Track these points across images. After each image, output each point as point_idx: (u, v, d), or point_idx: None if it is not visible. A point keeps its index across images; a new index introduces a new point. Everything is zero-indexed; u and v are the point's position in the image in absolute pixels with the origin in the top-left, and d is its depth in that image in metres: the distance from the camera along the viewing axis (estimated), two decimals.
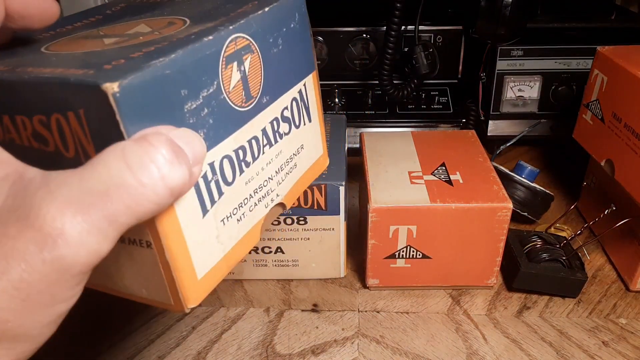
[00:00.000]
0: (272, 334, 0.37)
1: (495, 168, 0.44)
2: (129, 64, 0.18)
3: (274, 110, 0.25)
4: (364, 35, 0.57)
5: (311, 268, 0.41)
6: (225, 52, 0.21)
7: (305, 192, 0.37)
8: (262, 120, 0.24)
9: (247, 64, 0.23)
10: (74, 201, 0.16)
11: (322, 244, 0.39)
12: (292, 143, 0.27)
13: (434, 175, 0.39)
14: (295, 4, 0.26)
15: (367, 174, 0.39)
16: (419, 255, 0.38)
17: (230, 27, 0.22)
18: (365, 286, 0.41)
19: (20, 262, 0.15)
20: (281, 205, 0.27)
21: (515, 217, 0.45)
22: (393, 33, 0.50)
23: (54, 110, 0.18)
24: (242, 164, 0.23)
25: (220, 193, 0.22)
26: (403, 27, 0.55)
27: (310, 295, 0.40)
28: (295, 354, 0.35)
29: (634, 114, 0.37)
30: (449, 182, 0.38)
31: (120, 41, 0.22)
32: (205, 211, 0.21)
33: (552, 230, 0.44)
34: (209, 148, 0.21)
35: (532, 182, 0.45)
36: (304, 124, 0.28)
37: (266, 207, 0.26)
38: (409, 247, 0.37)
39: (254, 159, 0.24)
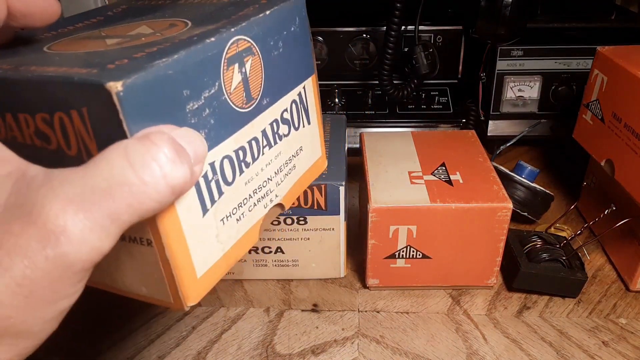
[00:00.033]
0: (272, 334, 0.37)
1: (495, 168, 0.44)
2: (132, 64, 0.18)
3: (274, 112, 0.26)
4: (364, 35, 0.57)
5: (311, 268, 0.41)
6: (227, 53, 0.22)
7: (305, 192, 0.37)
8: (262, 121, 0.25)
9: (248, 65, 0.23)
10: (77, 199, 0.16)
11: (322, 244, 0.39)
12: (292, 145, 0.28)
13: (434, 175, 0.39)
14: (296, 7, 0.26)
15: (367, 174, 0.39)
16: (419, 255, 0.38)
17: (232, 30, 0.22)
18: (365, 286, 0.41)
19: (23, 258, 0.15)
20: (280, 205, 0.28)
21: (515, 217, 0.45)
22: (393, 33, 0.50)
23: (57, 109, 0.18)
24: (242, 164, 0.23)
25: (220, 193, 0.22)
26: (403, 27, 0.55)
27: (310, 295, 0.40)
28: (295, 354, 0.35)
29: (634, 114, 0.37)
30: (449, 182, 0.38)
31: (122, 42, 0.22)
32: (205, 210, 0.21)
33: (552, 230, 0.44)
34: (209, 148, 0.21)
35: (532, 182, 0.45)
36: (303, 126, 0.29)
37: (265, 208, 0.26)
38: (409, 247, 0.37)
39: (254, 159, 0.24)
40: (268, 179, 0.26)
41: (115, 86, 0.17)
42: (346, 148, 0.42)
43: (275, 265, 0.41)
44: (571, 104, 0.52)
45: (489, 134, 0.56)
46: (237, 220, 0.24)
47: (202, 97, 0.20)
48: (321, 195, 0.37)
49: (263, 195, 0.26)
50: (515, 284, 0.39)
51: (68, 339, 0.37)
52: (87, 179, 0.16)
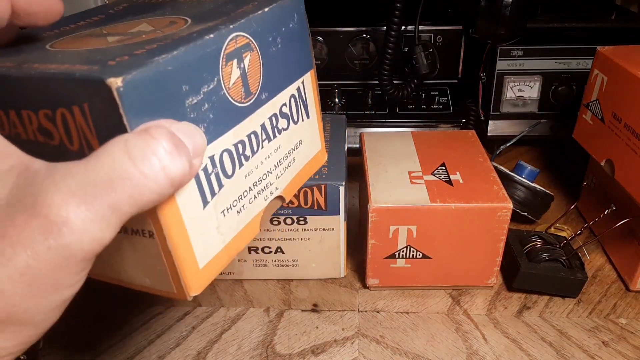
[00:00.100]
0: (272, 334, 0.37)
1: (495, 168, 0.44)
2: (132, 60, 0.19)
3: (272, 106, 0.26)
4: (364, 35, 0.57)
5: (311, 268, 0.41)
6: (225, 49, 0.22)
7: (305, 192, 0.37)
8: (261, 115, 0.25)
9: (246, 61, 0.23)
10: (78, 191, 0.16)
11: (322, 244, 0.39)
12: (291, 138, 0.28)
13: (434, 175, 0.39)
14: (294, 4, 0.27)
15: (367, 174, 0.39)
16: (419, 255, 0.38)
17: (231, 26, 0.22)
18: (365, 286, 0.41)
19: (26, 248, 0.16)
20: (280, 198, 0.28)
21: (515, 217, 0.45)
22: (393, 33, 0.50)
23: (59, 105, 0.19)
24: (242, 157, 0.24)
25: (221, 185, 0.23)
26: (403, 27, 0.55)
27: (310, 295, 0.40)
28: (295, 354, 0.35)
29: (634, 114, 0.37)
30: (449, 182, 0.38)
31: (123, 39, 0.22)
32: (205, 202, 0.22)
33: (552, 230, 0.44)
34: (209, 142, 0.22)
35: (532, 182, 0.45)
36: (302, 120, 0.29)
37: (265, 200, 0.27)
38: (409, 247, 0.37)
39: (253, 153, 0.25)
40: (268, 171, 0.26)
41: (116, 82, 0.17)
42: (346, 148, 0.42)
43: (275, 265, 0.41)
44: (571, 104, 0.52)
45: (489, 134, 0.56)
46: (238, 212, 0.24)
47: (201, 92, 0.21)
48: (321, 195, 0.37)
49: (263, 188, 0.26)
50: (515, 284, 0.39)
51: (68, 339, 0.37)
52: (89, 172, 0.17)
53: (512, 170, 0.46)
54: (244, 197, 0.25)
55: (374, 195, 0.37)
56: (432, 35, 0.56)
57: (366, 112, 0.57)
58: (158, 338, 0.37)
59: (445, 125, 0.57)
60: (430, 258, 0.38)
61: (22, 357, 0.32)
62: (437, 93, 0.58)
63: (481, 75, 0.55)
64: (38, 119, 0.19)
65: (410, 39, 0.56)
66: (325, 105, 0.57)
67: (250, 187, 0.25)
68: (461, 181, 0.38)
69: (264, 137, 0.26)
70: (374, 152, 0.42)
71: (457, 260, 0.38)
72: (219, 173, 0.22)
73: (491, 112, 0.55)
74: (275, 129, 0.26)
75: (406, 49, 0.56)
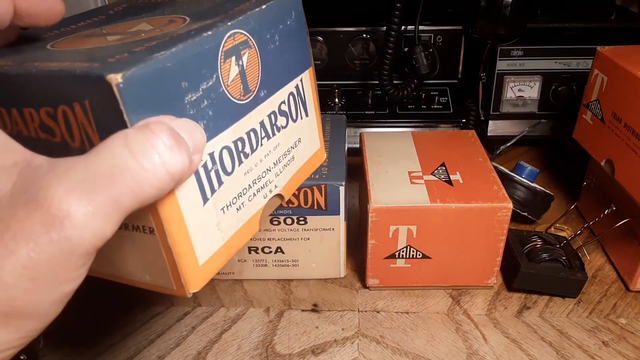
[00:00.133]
0: (272, 334, 0.37)
1: (495, 168, 0.44)
2: (132, 57, 0.19)
3: (271, 104, 0.26)
4: (364, 35, 0.57)
5: (311, 268, 0.41)
6: (223, 46, 0.22)
7: (305, 192, 0.37)
8: (260, 113, 0.25)
9: (245, 58, 0.24)
10: (80, 185, 0.16)
11: (322, 244, 0.39)
12: (290, 136, 0.28)
13: (434, 175, 0.39)
14: (292, 2, 0.27)
15: (367, 174, 0.39)
16: (419, 255, 0.38)
17: (229, 23, 0.23)
18: (365, 286, 0.41)
19: (28, 241, 0.16)
20: (280, 196, 0.28)
21: (515, 217, 0.45)
22: (393, 33, 0.50)
23: (60, 102, 0.19)
24: (241, 154, 0.24)
25: (220, 182, 0.23)
26: (403, 27, 0.55)
27: (310, 295, 0.40)
28: (295, 354, 0.35)
29: (634, 114, 0.37)
30: (449, 182, 0.38)
31: (123, 38, 0.22)
32: (205, 199, 0.22)
33: (552, 230, 0.44)
34: (208, 139, 0.22)
35: (532, 182, 0.45)
36: (301, 119, 0.29)
37: (265, 198, 0.27)
38: (409, 247, 0.37)
39: (253, 150, 0.25)
40: (267, 169, 0.26)
41: (116, 78, 0.17)
42: (346, 148, 0.42)
43: (275, 265, 0.41)
44: (571, 104, 0.52)
45: (489, 134, 0.56)
46: (237, 209, 0.24)
47: (200, 89, 0.21)
48: (321, 195, 0.37)
49: (262, 186, 0.26)
50: (515, 284, 0.39)
51: (68, 339, 0.37)
52: (90, 166, 0.17)
53: (512, 170, 0.46)
54: (244, 194, 0.25)
55: (374, 195, 0.37)
56: (432, 35, 0.56)
57: (366, 112, 0.57)
58: (158, 338, 0.37)
59: (445, 125, 0.57)
60: (430, 258, 0.38)
61: (22, 358, 0.32)
62: (437, 93, 0.58)
63: (481, 75, 0.55)
64: (40, 116, 0.20)
65: (410, 39, 0.56)
66: (325, 105, 0.57)
67: (249, 185, 0.25)
68: (461, 181, 0.38)
69: (263, 134, 0.26)
70: (374, 152, 0.42)
71: (457, 260, 0.38)
72: (218, 170, 0.23)
73: (491, 112, 0.55)
74: (274, 127, 0.27)
75: (406, 49, 0.56)
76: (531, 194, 0.45)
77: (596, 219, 0.41)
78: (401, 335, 0.37)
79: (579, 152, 0.45)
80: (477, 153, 0.42)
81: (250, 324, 0.38)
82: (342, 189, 0.37)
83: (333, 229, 0.39)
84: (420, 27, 0.55)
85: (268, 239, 0.39)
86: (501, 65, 0.53)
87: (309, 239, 0.39)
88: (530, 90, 0.54)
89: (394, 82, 0.54)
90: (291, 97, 0.28)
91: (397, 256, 0.38)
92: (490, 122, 0.56)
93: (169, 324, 0.38)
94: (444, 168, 0.40)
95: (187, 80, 0.20)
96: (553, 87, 0.54)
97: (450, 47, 0.57)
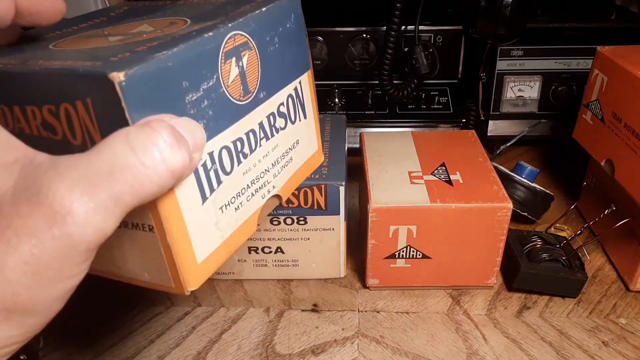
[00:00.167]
0: (272, 334, 0.37)
1: (495, 168, 0.44)
2: (134, 56, 0.19)
3: (270, 105, 0.26)
4: (364, 35, 0.57)
5: (311, 268, 0.41)
6: (224, 47, 0.22)
7: (305, 192, 0.37)
8: (259, 114, 0.26)
9: (245, 60, 0.24)
10: (81, 182, 0.17)
11: (322, 244, 0.39)
12: (288, 138, 0.29)
13: (434, 175, 0.39)
14: (291, 5, 0.27)
15: (367, 174, 0.39)
16: (419, 255, 0.38)
17: (229, 25, 0.23)
18: (365, 286, 0.41)
19: (30, 237, 0.16)
20: (277, 197, 0.28)
21: (515, 217, 0.45)
22: (393, 33, 0.50)
23: (62, 100, 0.19)
24: (240, 155, 0.24)
25: (219, 182, 0.23)
26: (403, 27, 0.55)
27: (310, 295, 0.40)
28: (295, 354, 0.35)
29: (634, 114, 0.37)
30: (449, 182, 0.38)
31: (124, 39, 0.23)
32: (204, 198, 0.22)
33: (552, 230, 0.44)
34: (208, 138, 0.22)
35: (532, 182, 0.45)
36: (300, 120, 0.29)
37: (263, 198, 0.27)
38: (409, 247, 0.37)
39: (251, 150, 0.25)
40: (265, 170, 0.27)
41: (118, 76, 0.17)
42: (346, 148, 0.42)
43: (275, 265, 0.41)
44: (571, 104, 0.52)
45: (489, 134, 0.56)
46: (236, 209, 0.25)
47: (201, 89, 0.21)
48: (321, 195, 0.37)
49: (261, 186, 0.27)
50: (515, 284, 0.39)
51: (68, 339, 0.37)
52: (91, 163, 0.17)
53: (512, 170, 0.46)
54: (242, 194, 0.25)
55: (374, 195, 0.37)
56: (432, 35, 0.56)
57: (366, 112, 0.57)
58: (158, 338, 0.37)
59: (445, 125, 0.57)
60: (430, 258, 0.38)
61: (22, 358, 0.32)
62: (437, 93, 0.58)
63: (481, 75, 0.55)
64: (42, 114, 0.20)
65: (410, 39, 0.56)
66: (325, 105, 0.57)
67: (248, 185, 0.25)
68: (461, 181, 0.38)
69: (262, 135, 0.26)
70: (374, 152, 0.42)
71: (457, 260, 0.38)
72: (217, 169, 0.23)
73: (491, 112, 0.55)
74: (273, 128, 0.27)
75: (406, 49, 0.56)
76: (531, 194, 0.45)
77: (596, 219, 0.41)
78: (401, 335, 0.37)
79: (579, 152, 0.45)
80: (477, 153, 0.42)
81: (250, 324, 0.38)
82: (342, 189, 0.37)
83: (333, 229, 0.39)
84: (420, 27, 0.55)
85: (268, 239, 0.39)
86: (501, 65, 0.53)
87: (309, 239, 0.39)
88: (530, 90, 0.54)
89: (394, 82, 0.54)
90: (290, 99, 0.28)
91: (397, 256, 0.38)
92: (490, 122, 0.56)
93: (169, 324, 0.38)
94: (444, 168, 0.40)
95: (188, 80, 0.21)
96: (553, 87, 0.54)
97: (450, 47, 0.57)
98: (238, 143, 0.24)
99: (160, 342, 0.37)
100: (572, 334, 0.36)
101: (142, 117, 0.19)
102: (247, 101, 0.24)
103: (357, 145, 0.50)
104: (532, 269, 0.38)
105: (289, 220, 0.38)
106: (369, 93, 0.58)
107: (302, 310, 0.39)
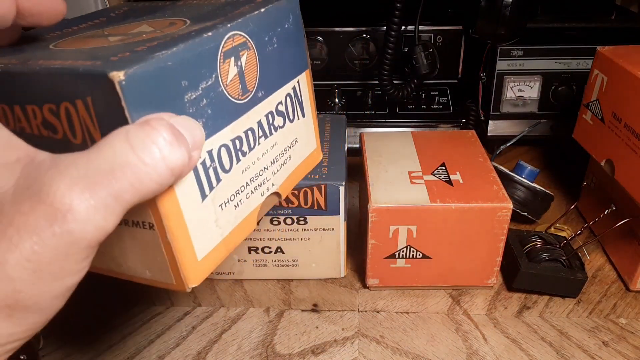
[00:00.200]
0: (272, 334, 0.37)
1: (495, 168, 0.44)
2: (133, 56, 0.19)
3: (269, 104, 0.27)
4: (364, 35, 0.57)
5: (311, 268, 0.41)
6: (223, 47, 0.23)
7: (305, 192, 0.37)
8: (258, 113, 0.26)
9: (243, 59, 0.24)
10: (82, 180, 0.17)
11: (322, 244, 0.39)
12: (287, 136, 0.29)
13: (434, 175, 0.39)
14: (290, 6, 0.28)
15: (367, 174, 0.39)
16: (419, 255, 0.38)
17: (228, 25, 0.23)
18: (365, 286, 0.41)
19: (32, 235, 0.16)
20: (276, 194, 0.29)
21: (515, 217, 0.45)
22: (393, 33, 0.50)
23: (63, 99, 0.19)
24: (239, 153, 0.25)
25: (218, 179, 0.23)
26: (403, 27, 0.55)
27: (310, 295, 0.40)
28: (295, 354, 0.35)
29: (634, 114, 0.37)
30: (449, 182, 0.38)
31: (124, 39, 0.23)
32: (204, 196, 0.22)
33: (552, 230, 0.44)
34: (207, 136, 0.22)
35: (532, 182, 0.45)
36: (298, 119, 0.30)
37: (262, 196, 0.27)
38: (409, 247, 0.37)
39: (250, 149, 0.25)
40: (264, 167, 0.27)
41: (118, 75, 0.18)
42: (346, 148, 0.42)
43: (275, 265, 0.41)
44: (571, 104, 0.52)
45: (489, 134, 0.56)
46: (235, 206, 0.25)
47: (200, 88, 0.22)
48: (321, 195, 0.37)
49: (260, 184, 0.27)
50: (515, 284, 0.39)
51: (68, 339, 0.37)
52: (92, 161, 0.17)
53: (512, 170, 0.46)
54: (241, 191, 0.25)
55: (374, 195, 0.37)
56: (432, 35, 0.56)
57: (366, 112, 0.57)
58: (158, 338, 0.37)
59: (445, 125, 0.57)
60: (430, 258, 0.38)
61: (22, 357, 0.32)
62: (437, 93, 0.58)
63: (481, 75, 0.55)
64: (42, 114, 0.20)
65: (410, 39, 0.56)
66: (325, 105, 0.57)
67: (247, 182, 0.26)
68: (461, 181, 0.38)
69: (261, 133, 0.26)
70: (374, 152, 0.42)
71: (457, 260, 0.38)
72: (216, 167, 0.23)
73: (491, 112, 0.55)
74: (272, 127, 0.27)
75: (406, 49, 0.56)
76: (531, 194, 0.45)
77: (596, 219, 0.41)
78: (401, 335, 0.37)
79: (579, 152, 0.45)
80: (477, 153, 0.42)
81: (250, 324, 0.38)
82: (342, 189, 0.37)
83: (333, 229, 0.39)
84: (420, 27, 0.55)
85: (268, 239, 0.39)
86: (501, 65, 0.53)
87: (309, 239, 0.39)
88: (530, 90, 0.54)
89: (394, 82, 0.54)
90: (288, 98, 0.28)
91: (397, 256, 0.38)
92: (490, 122, 0.56)
93: (169, 324, 0.38)
94: (444, 168, 0.40)
95: (187, 79, 0.21)
96: (553, 87, 0.54)
97: (450, 47, 0.57)
98: (237, 141, 0.24)
99: (160, 342, 0.37)
100: (572, 334, 0.36)
101: (142, 115, 0.19)
102: (245, 100, 0.25)
103: (357, 145, 0.50)
104: (532, 269, 0.38)
105: (289, 220, 0.38)
106: (369, 93, 0.58)
107: (302, 310, 0.39)
